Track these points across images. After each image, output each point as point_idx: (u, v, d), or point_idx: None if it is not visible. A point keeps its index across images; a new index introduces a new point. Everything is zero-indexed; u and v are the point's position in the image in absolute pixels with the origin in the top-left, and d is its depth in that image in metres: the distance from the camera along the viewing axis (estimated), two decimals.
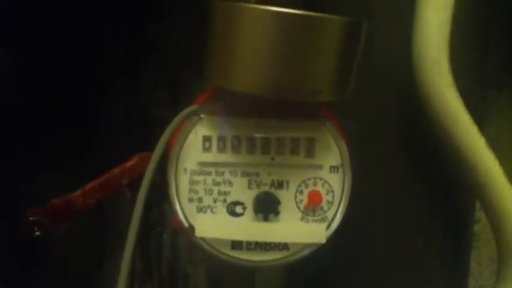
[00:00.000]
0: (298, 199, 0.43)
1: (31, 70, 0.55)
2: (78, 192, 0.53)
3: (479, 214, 0.54)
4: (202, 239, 0.42)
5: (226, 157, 0.43)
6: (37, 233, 0.52)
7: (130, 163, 0.54)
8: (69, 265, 0.59)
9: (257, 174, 0.43)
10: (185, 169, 0.43)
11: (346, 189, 0.43)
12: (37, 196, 0.55)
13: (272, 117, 0.42)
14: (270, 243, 0.43)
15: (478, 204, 0.51)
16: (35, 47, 0.55)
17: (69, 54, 0.57)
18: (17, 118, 0.54)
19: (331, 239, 0.43)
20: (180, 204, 0.43)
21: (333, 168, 0.43)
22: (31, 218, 0.52)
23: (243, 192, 0.43)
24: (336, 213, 0.43)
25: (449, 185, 0.50)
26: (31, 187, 0.55)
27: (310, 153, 0.43)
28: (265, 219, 0.43)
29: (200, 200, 0.43)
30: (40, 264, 0.56)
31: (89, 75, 0.59)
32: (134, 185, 0.53)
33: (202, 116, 0.42)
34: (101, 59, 0.59)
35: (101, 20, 0.59)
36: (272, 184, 0.43)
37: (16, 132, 0.54)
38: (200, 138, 0.42)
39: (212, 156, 0.43)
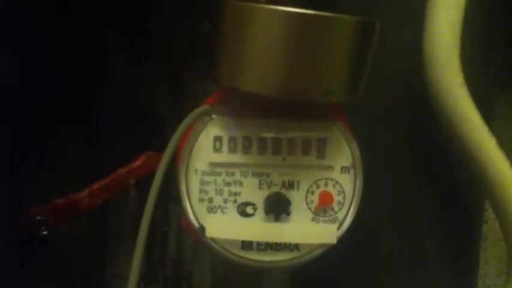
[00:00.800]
0: (309, 200, 0.43)
1: (31, 70, 0.54)
2: (85, 192, 0.53)
3: (487, 214, 0.55)
4: (213, 239, 0.42)
5: (237, 157, 0.42)
6: (44, 232, 0.52)
7: (137, 163, 0.54)
8: (71, 264, 0.58)
9: (268, 175, 0.43)
10: (196, 169, 0.42)
11: (357, 190, 0.43)
12: (37, 196, 0.55)
13: (283, 118, 0.42)
14: (280, 244, 0.43)
15: (485, 205, 0.51)
16: (35, 47, 0.55)
17: (69, 54, 0.57)
18: (17, 118, 0.53)
19: (340, 240, 0.43)
20: (190, 204, 0.42)
21: (344, 169, 0.43)
22: (38, 217, 0.52)
23: (253, 192, 0.43)
24: (346, 214, 0.43)
25: (457, 185, 0.50)
26: (31, 187, 0.55)
27: (321, 154, 0.43)
28: (276, 219, 0.42)
29: (211, 200, 0.42)
30: (42, 263, 0.56)
31: (89, 75, 0.58)
32: (140, 184, 0.53)
33: (213, 116, 0.42)
34: (101, 59, 0.59)
35: (101, 20, 0.58)
36: (283, 185, 0.43)
37: (16, 132, 0.53)
38: (211, 139, 0.42)
39: (223, 156, 0.42)
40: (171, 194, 0.44)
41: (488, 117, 0.46)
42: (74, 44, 0.57)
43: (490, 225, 0.56)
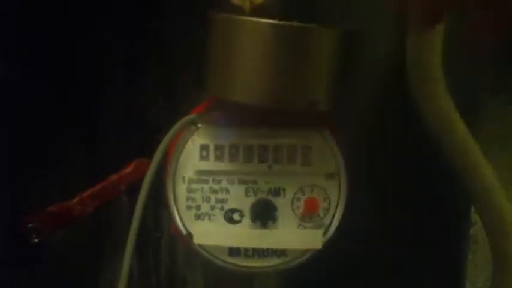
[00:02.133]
0: (295, 206, 0.43)
1: (31, 70, 0.55)
2: (76, 200, 0.53)
3: (476, 217, 0.54)
4: (201, 246, 0.43)
5: (224, 165, 0.43)
6: (35, 240, 0.53)
7: (127, 170, 0.54)
8: (68, 270, 0.59)
9: (254, 182, 0.43)
10: (183, 177, 0.43)
11: (342, 196, 0.43)
12: (36, 196, 0.55)
13: (269, 126, 0.43)
14: (267, 250, 0.43)
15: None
16: (35, 47, 0.55)
17: (69, 54, 0.57)
18: (17, 118, 0.54)
19: (328, 245, 0.43)
20: (178, 211, 0.43)
21: (329, 176, 0.43)
22: (29, 225, 0.52)
23: (240, 199, 0.43)
24: (332, 219, 0.43)
25: (446, 188, 0.50)
26: (31, 187, 0.55)
27: (306, 161, 0.43)
28: (263, 226, 0.43)
29: (198, 207, 0.43)
30: (37, 268, 0.57)
31: (89, 75, 0.59)
32: (131, 190, 0.54)
33: (199, 125, 0.43)
34: (101, 59, 0.59)
35: (101, 20, 0.58)
36: (269, 192, 0.43)
37: (16, 132, 0.54)
38: (198, 147, 0.43)
39: (210, 164, 0.43)
40: (162, 200, 0.44)
41: (478, 123, 0.46)
42: (74, 44, 0.57)
43: (479, 228, 0.56)
